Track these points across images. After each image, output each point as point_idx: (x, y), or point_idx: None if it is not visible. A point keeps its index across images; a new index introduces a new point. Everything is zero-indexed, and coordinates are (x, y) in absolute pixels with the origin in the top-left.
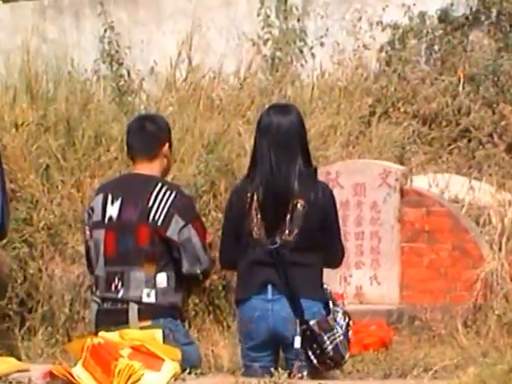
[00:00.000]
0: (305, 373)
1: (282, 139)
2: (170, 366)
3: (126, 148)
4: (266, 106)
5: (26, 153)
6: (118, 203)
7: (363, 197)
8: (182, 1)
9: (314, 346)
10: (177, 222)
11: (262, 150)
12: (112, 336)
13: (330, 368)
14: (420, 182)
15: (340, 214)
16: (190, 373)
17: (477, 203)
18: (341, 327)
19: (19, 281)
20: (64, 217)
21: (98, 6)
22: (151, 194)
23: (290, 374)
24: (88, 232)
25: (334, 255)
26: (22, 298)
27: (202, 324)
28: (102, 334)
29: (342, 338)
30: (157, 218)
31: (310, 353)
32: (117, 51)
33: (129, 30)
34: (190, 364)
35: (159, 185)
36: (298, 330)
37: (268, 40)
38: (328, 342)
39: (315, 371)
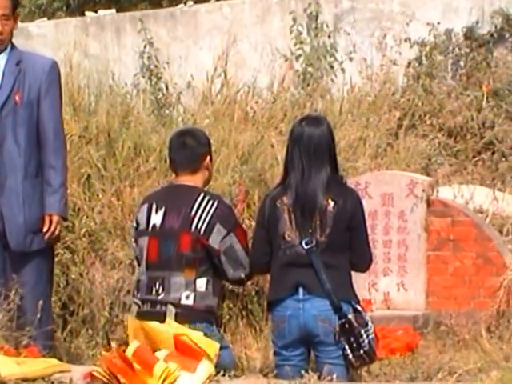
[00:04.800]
0: (334, 375)
1: (313, 148)
2: (206, 368)
3: (168, 162)
4: (298, 118)
5: (68, 163)
6: (161, 212)
7: (391, 207)
8: (219, 18)
9: (352, 339)
10: (219, 230)
11: (293, 158)
12: (157, 325)
13: (365, 363)
14: (445, 193)
15: (369, 222)
16: (223, 375)
17: (500, 213)
18: (370, 326)
19: (61, 285)
20: (104, 224)
21: (139, 23)
22: (194, 203)
23: (319, 376)
24: (134, 243)
25: (362, 257)
26: (64, 301)
27: (236, 328)
28: (147, 323)
29: (373, 335)
30: (199, 226)
31: (346, 346)
32: (156, 66)
33: (167, 46)
34: (224, 367)
35: (201, 195)
36: (337, 323)
37: (300, 56)
38: (365, 336)
39: (349, 367)
